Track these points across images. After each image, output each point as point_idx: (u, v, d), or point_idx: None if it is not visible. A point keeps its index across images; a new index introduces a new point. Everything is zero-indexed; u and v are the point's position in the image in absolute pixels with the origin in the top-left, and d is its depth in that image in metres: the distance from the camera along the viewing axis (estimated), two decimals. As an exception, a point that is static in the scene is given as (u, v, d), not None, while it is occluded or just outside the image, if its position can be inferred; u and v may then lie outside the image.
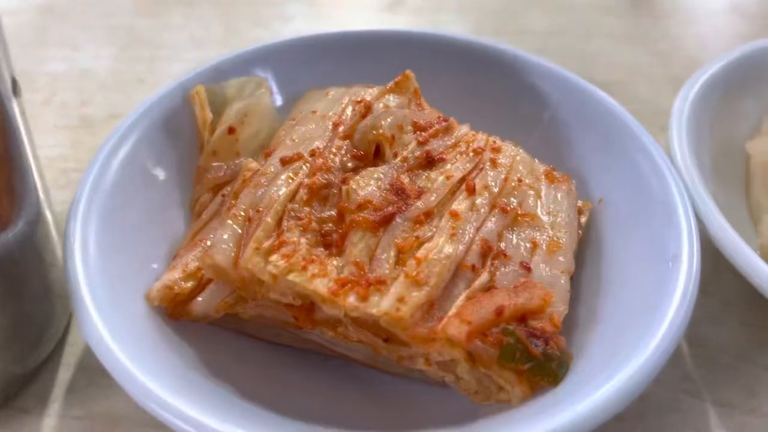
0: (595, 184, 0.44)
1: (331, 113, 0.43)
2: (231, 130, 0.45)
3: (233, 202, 0.39)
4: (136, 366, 0.31)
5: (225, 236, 0.36)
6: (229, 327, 0.38)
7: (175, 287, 0.37)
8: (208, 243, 0.38)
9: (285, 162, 0.39)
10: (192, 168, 0.45)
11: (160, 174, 0.43)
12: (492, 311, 0.33)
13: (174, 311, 0.37)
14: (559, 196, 0.41)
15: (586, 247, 0.42)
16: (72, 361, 0.40)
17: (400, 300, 0.33)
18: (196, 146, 0.45)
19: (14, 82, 0.32)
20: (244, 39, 0.65)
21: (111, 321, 0.33)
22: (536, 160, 0.42)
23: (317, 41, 0.51)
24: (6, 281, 0.34)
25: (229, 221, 0.37)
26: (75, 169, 0.51)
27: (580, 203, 0.42)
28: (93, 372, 0.39)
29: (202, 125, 0.45)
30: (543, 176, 0.42)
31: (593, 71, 0.61)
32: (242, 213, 0.37)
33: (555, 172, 0.42)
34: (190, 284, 0.37)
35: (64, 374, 0.39)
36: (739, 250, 0.37)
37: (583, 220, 0.42)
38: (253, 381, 0.36)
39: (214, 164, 0.44)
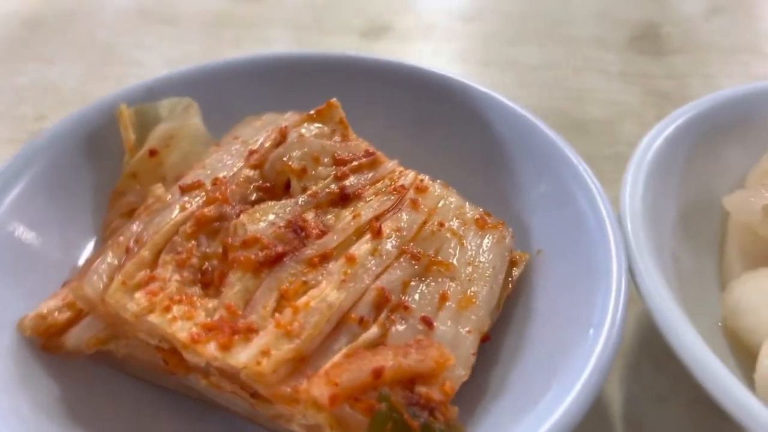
0: (536, 235, 0.40)
1: (252, 140, 0.40)
2: (152, 153, 0.42)
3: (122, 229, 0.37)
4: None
5: (102, 267, 0.33)
6: (108, 364, 0.35)
7: (49, 317, 0.34)
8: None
9: (184, 190, 0.37)
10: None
11: (75, 194, 0.41)
12: (368, 372, 0.30)
13: (47, 343, 0.34)
14: (486, 244, 0.37)
15: (515, 303, 0.37)
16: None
17: (264, 352, 0.29)
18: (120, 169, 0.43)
19: None
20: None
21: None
22: (467, 204, 0.38)
23: (256, 63, 0.48)
24: None
25: (110, 250, 0.34)
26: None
27: (515, 254, 0.38)
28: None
29: (126, 146, 0.43)
30: (473, 222, 0.38)
31: (579, 108, 0.57)
32: (123, 242, 0.34)
33: (488, 218, 0.38)
34: (66, 315, 0.34)
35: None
36: (675, 326, 0.32)
37: (516, 273, 0.38)
38: (123, 422, 0.33)
39: (133, 187, 0.42)
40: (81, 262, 0.40)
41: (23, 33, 0.64)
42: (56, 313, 0.34)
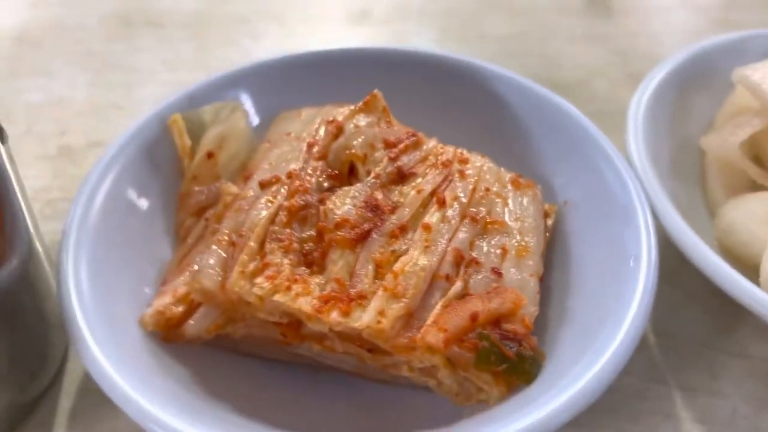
0: (559, 189, 0.46)
1: (304, 134, 0.45)
2: (210, 155, 0.46)
3: (216, 226, 0.41)
4: (135, 390, 0.33)
5: (211, 261, 0.38)
6: (222, 347, 0.40)
7: (167, 312, 0.39)
8: (195, 268, 0.40)
9: (263, 185, 0.41)
10: (174, 194, 0.46)
11: (144, 202, 0.45)
12: (467, 318, 0.36)
13: (167, 335, 0.39)
14: (525, 201, 0.43)
15: (553, 250, 0.44)
16: (72, 388, 0.41)
17: (381, 313, 0.35)
18: (177, 173, 0.47)
19: (0, 130, 0.34)
20: (216, 58, 0.66)
21: (108, 348, 0.35)
22: (502, 169, 0.45)
23: (285, 62, 0.52)
24: (3, 316, 0.36)
25: (214, 246, 0.39)
26: (60, 199, 0.52)
27: (546, 207, 0.45)
28: (93, 397, 0.41)
29: (182, 152, 0.47)
30: (509, 184, 0.44)
31: (554, 73, 0.64)
32: (226, 237, 0.39)
33: (521, 179, 0.44)
34: (180, 308, 0.39)
35: (66, 401, 0.41)
36: (694, 246, 0.40)
37: (550, 223, 0.45)
38: (247, 397, 0.38)
39: (196, 189, 0.46)
40: (164, 257, 0.44)
41: (18, 50, 0.65)
42: (172, 308, 0.39)
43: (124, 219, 0.43)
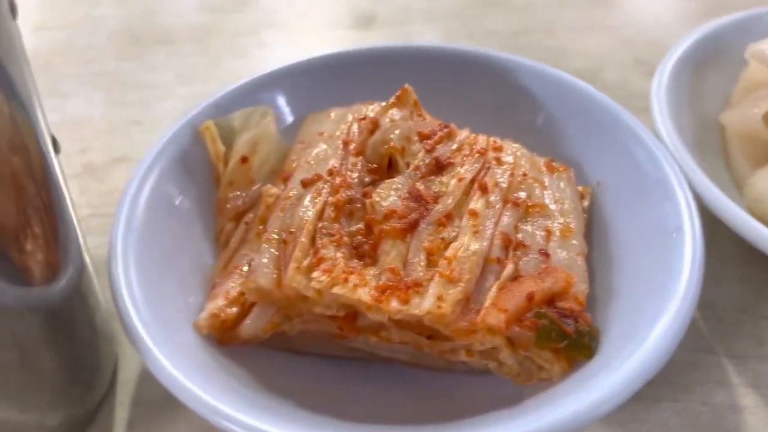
0: (590, 171, 0.47)
1: (338, 133, 0.46)
2: (244, 160, 0.47)
3: (261, 227, 0.42)
4: (202, 389, 0.33)
5: (264, 260, 0.38)
6: (276, 346, 0.40)
7: (222, 314, 0.39)
8: (245, 269, 0.40)
9: (306, 184, 0.42)
10: (208, 200, 0.47)
11: (182, 210, 0.45)
12: (524, 298, 0.36)
13: (222, 337, 0.39)
14: (561, 184, 0.44)
15: (591, 229, 0.45)
16: (126, 399, 0.41)
17: (440, 298, 0.35)
18: (210, 179, 0.47)
19: (54, 140, 0.34)
20: (228, 70, 0.66)
21: (168, 352, 0.35)
22: (535, 154, 0.45)
23: (308, 65, 0.53)
24: (60, 328, 0.36)
25: (265, 245, 0.39)
26: (90, 215, 0.52)
27: (580, 188, 0.46)
28: (148, 406, 0.41)
29: (215, 158, 0.47)
30: (544, 168, 0.45)
31: (563, 64, 0.64)
32: (275, 236, 0.39)
33: (554, 163, 0.45)
34: (235, 310, 0.39)
35: (122, 412, 0.41)
36: (733, 213, 0.41)
37: (586, 204, 0.45)
38: (305, 392, 0.38)
39: (231, 194, 0.46)
40: (207, 261, 0.44)
41: (30, 72, 0.65)
42: (226, 310, 0.39)
43: (165, 227, 0.43)
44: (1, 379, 0.33)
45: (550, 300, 0.37)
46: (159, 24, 0.73)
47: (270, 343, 0.40)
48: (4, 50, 0.28)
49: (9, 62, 0.28)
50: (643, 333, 0.35)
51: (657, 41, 0.66)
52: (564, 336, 0.36)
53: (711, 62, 0.54)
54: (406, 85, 0.46)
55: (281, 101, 0.51)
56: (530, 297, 0.36)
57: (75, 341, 0.38)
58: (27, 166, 0.31)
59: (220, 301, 0.39)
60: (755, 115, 0.48)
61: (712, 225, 0.43)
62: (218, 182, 0.47)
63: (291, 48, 0.69)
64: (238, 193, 0.46)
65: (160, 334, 0.36)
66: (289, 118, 0.51)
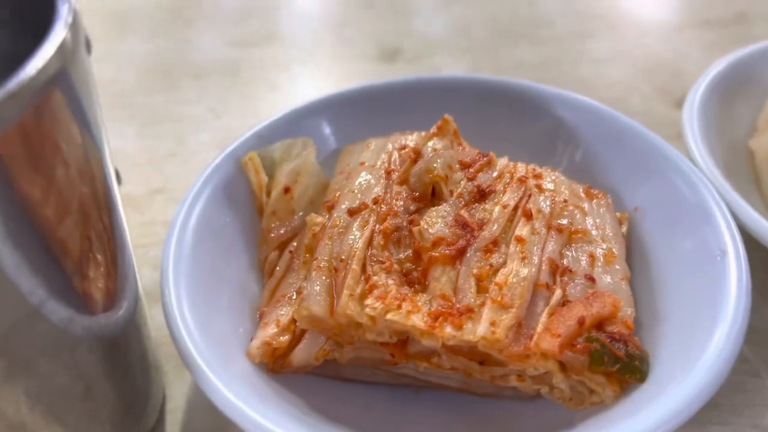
0: (627, 197, 0.48)
1: (379, 162, 0.46)
2: (287, 190, 0.47)
3: (308, 256, 0.42)
4: (259, 414, 0.33)
5: (316, 288, 0.39)
6: (325, 374, 0.41)
7: (273, 342, 0.39)
8: (294, 296, 0.41)
9: (352, 212, 0.42)
10: (251, 229, 0.47)
11: (227, 238, 0.46)
12: (575, 323, 0.37)
13: (274, 365, 0.39)
14: (601, 210, 0.45)
15: (631, 254, 0.45)
16: (176, 428, 0.41)
17: (493, 324, 0.36)
18: (251, 208, 0.48)
19: (117, 172, 0.35)
20: (259, 103, 0.68)
21: (225, 379, 0.35)
22: (573, 181, 0.46)
23: (343, 97, 0.54)
24: (118, 358, 0.36)
25: (315, 273, 0.39)
26: (134, 246, 0.52)
27: (618, 214, 0.46)
28: (199, 435, 0.41)
29: (258, 188, 0.48)
30: (583, 194, 0.45)
31: (590, 93, 0.66)
32: (325, 264, 0.40)
33: (592, 190, 0.46)
34: (286, 338, 0.39)
35: (172, 440, 0.41)
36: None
37: (624, 229, 0.46)
38: (356, 419, 0.38)
39: (274, 224, 0.47)
40: (252, 288, 0.44)
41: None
42: (278, 338, 0.39)
43: (212, 256, 0.43)
44: (66, 410, 0.33)
45: (599, 324, 0.38)
46: (188, 58, 0.75)
47: (319, 370, 0.40)
48: (82, 86, 0.29)
49: (85, 97, 0.29)
50: (695, 358, 0.35)
51: (679, 71, 0.68)
52: (616, 360, 0.36)
53: (738, 90, 0.56)
54: (447, 116, 0.47)
55: (320, 132, 0.52)
56: (581, 322, 0.37)
57: (131, 371, 0.38)
58: (94, 196, 0.32)
59: (271, 329, 0.40)
60: (785, 141, 0.49)
61: (753, 251, 0.43)
62: (260, 211, 0.48)
63: (321, 81, 0.71)
64: (282, 222, 0.47)
65: (215, 361, 0.36)
66: (327, 149, 0.52)
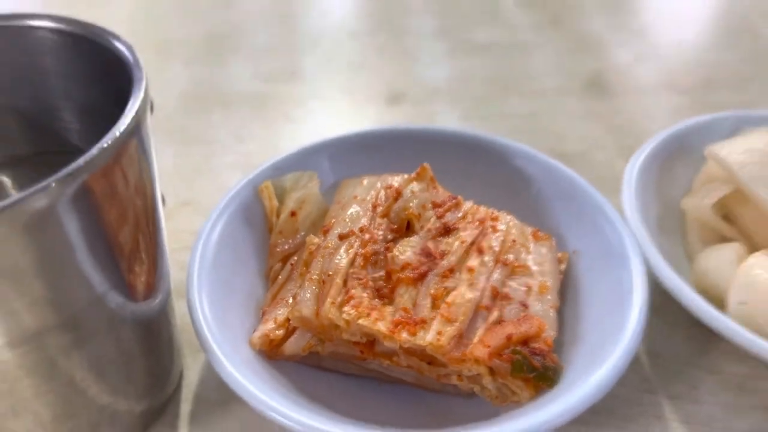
0: (569, 241, 0.58)
1: (368, 197, 0.57)
2: (293, 214, 0.58)
3: (304, 269, 0.53)
4: (255, 388, 0.44)
5: (307, 295, 0.50)
6: (309, 363, 0.51)
7: (271, 335, 0.50)
8: (290, 300, 0.52)
9: (342, 237, 0.53)
10: (261, 244, 0.58)
11: (242, 250, 0.57)
12: (504, 338, 0.47)
13: (270, 353, 0.50)
14: (543, 250, 0.55)
15: (566, 288, 0.55)
16: (189, 397, 0.52)
17: (439, 333, 0.47)
18: (264, 227, 0.59)
19: (162, 196, 0.46)
20: (278, 132, 0.79)
21: (232, 361, 0.46)
22: (524, 224, 0.57)
23: (344, 140, 0.65)
24: (151, 338, 0.48)
25: (307, 284, 0.50)
26: (164, 249, 0.64)
27: (559, 255, 0.57)
28: (205, 403, 0.52)
29: (270, 211, 0.59)
30: (531, 236, 0.56)
31: (561, 145, 0.76)
32: (316, 277, 0.51)
33: (539, 233, 0.57)
34: (281, 332, 0.50)
35: (186, 407, 0.52)
36: (677, 286, 0.51)
37: (563, 267, 0.56)
38: (330, 399, 0.49)
39: (281, 241, 0.58)
40: (258, 292, 0.56)
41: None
42: (275, 332, 0.50)
43: (228, 265, 0.54)
44: (112, 373, 0.44)
45: (525, 341, 0.48)
46: (219, 89, 0.86)
47: (305, 360, 0.51)
48: (147, 134, 0.40)
49: (147, 141, 0.41)
50: (594, 370, 0.46)
51: (643, 130, 0.78)
52: (533, 369, 0.47)
53: (679, 155, 0.65)
54: (425, 164, 0.58)
55: (324, 167, 0.63)
56: (509, 337, 0.47)
57: (160, 348, 0.49)
58: (145, 212, 0.43)
59: (270, 325, 0.51)
60: (706, 204, 0.59)
61: (664, 293, 0.53)
62: (270, 230, 0.59)
63: (333, 118, 0.82)
64: (286, 240, 0.58)
65: (225, 346, 0.47)
66: (328, 182, 0.63)
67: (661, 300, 0.55)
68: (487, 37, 0.97)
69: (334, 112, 0.83)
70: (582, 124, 0.80)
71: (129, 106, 0.38)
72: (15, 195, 0.32)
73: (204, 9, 1.05)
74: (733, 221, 0.61)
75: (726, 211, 0.62)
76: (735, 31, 1.00)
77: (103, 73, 0.44)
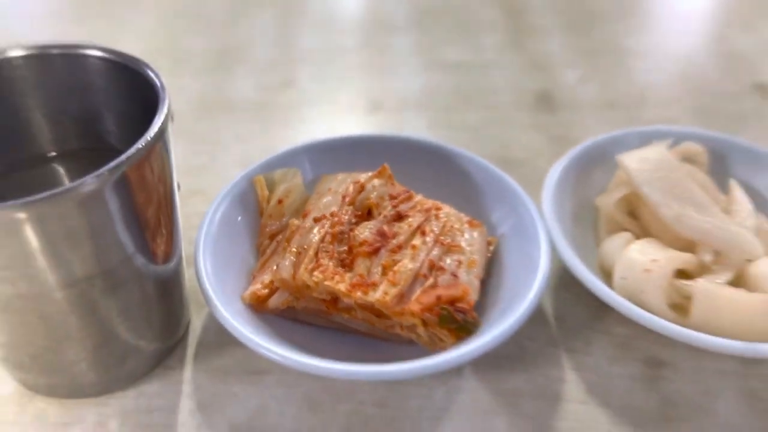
0: (498, 226, 0.73)
1: (340, 190, 0.72)
2: (280, 201, 0.73)
3: (286, 244, 0.68)
4: (247, 331, 0.59)
5: (287, 263, 0.64)
6: (287, 316, 0.66)
7: (258, 293, 0.65)
8: (274, 267, 0.67)
9: (316, 220, 0.68)
10: (255, 225, 0.73)
11: (239, 229, 0.71)
12: (435, 298, 0.62)
13: (257, 307, 0.65)
14: (475, 234, 0.70)
15: (493, 264, 0.70)
16: (194, 341, 0.67)
17: (385, 293, 0.61)
18: (256, 211, 0.74)
19: (178, 184, 0.61)
20: (274, 135, 0.94)
21: (229, 311, 0.61)
22: (462, 214, 0.72)
23: (327, 143, 0.80)
24: (167, 292, 0.62)
25: (288, 255, 0.65)
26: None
27: (490, 238, 0.72)
28: (207, 346, 0.67)
29: (261, 199, 0.74)
30: (466, 223, 0.71)
31: (508, 152, 0.91)
32: (294, 249, 0.66)
33: (474, 221, 0.71)
34: (266, 291, 0.65)
35: (191, 349, 0.67)
36: (575, 264, 0.66)
37: (492, 248, 0.71)
38: (304, 344, 0.64)
39: (269, 222, 0.73)
40: (250, 262, 0.70)
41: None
42: (262, 290, 0.65)
43: (228, 239, 0.69)
44: (136, 317, 0.59)
45: (452, 301, 0.63)
46: (225, 96, 1.01)
47: (284, 313, 0.66)
48: (169, 137, 0.55)
49: (168, 141, 0.56)
50: (503, 321, 0.61)
51: (580, 141, 0.92)
52: (455, 321, 0.62)
53: (599, 162, 0.80)
54: (385, 165, 0.73)
55: (307, 165, 0.78)
56: (439, 298, 0.62)
57: (173, 301, 0.64)
58: (165, 196, 0.58)
59: (258, 285, 0.66)
60: (611, 201, 0.74)
61: (565, 269, 0.68)
62: (261, 214, 0.74)
63: (320, 123, 0.96)
64: (274, 222, 0.73)
65: (223, 300, 0.62)
66: (310, 177, 0.78)
67: (568, 278, 0.70)
68: (456, 55, 1.11)
69: (321, 119, 0.98)
70: (528, 134, 0.95)
71: (156, 119, 0.53)
72: (77, 180, 0.47)
73: (214, 27, 1.21)
74: (638, 217, 0.76)
75: (632, 208, 0.77)
76: (670, 58, 1.14)
77: (136, 90, 0.59)
